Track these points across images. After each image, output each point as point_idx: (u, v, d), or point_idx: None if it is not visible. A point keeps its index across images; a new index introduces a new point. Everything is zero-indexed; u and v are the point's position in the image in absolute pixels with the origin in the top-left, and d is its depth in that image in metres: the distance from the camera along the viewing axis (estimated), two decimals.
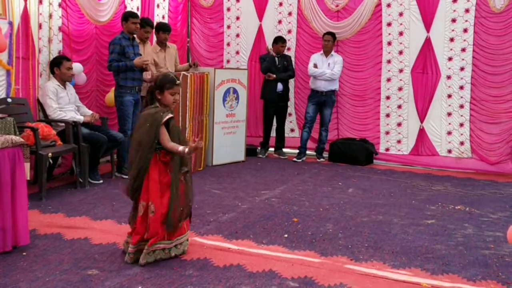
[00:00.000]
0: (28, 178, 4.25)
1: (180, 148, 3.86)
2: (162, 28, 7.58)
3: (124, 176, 6.71)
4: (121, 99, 6.76)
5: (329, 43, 8.29)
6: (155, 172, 3.91)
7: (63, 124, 6.18)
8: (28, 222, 4.16)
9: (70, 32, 6.83)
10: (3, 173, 3.89)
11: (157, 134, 3.86)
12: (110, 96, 7.20)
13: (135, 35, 6.89)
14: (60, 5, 6.70)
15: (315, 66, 8.33)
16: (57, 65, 6.31)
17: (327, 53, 8.36)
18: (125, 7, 7.74)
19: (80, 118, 6.35)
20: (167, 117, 3.91)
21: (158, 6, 8.65)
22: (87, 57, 7.14)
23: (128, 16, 6.79)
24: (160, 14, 8.73)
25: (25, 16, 6.19)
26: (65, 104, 6.34)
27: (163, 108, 3.98)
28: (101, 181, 6.44)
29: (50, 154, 5.61)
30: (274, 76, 8.40)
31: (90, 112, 6.70)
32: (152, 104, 4.02)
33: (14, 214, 4.00)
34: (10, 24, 5.97)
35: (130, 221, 4.12)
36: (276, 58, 8.51)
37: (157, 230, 3.91)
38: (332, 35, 8.31)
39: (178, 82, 4.01)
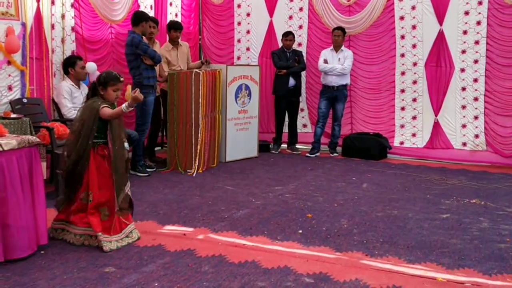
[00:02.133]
0: (45, 177, 4.29)
1: (122, 106, 4.14)
2: (174, 26, 7.59)
3: (139, 174, 6.76)
4: (145, 98, 6.74)
5: (339, 38, 8.26)
6: (94, 162, 4.22)
7: None
8: (46, 221, 4.20)
9: (84, 32, 6.87)
10: (22, 172, 3.93)
11: (96, 120, 4.16)
12: (129, 92, 7.18)
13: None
14: (72, 5, 6.74)
15: (325, 61, 8.31)
16: (71, 65, 6.36)
17: (337, 48, 8.34)
18: (138, 6, 7.77)
19: None
20: (104, 105, 4.19)
21: (171, 4, 8.67)
22: (102, 56, 7.17)
23: (147, 18, 6.85)
24: (173, 12, 8.75)
25: (38, 17, 6.25)
26: (79, 104, 6.37)
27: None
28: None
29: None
30: (285, 71, 8.40)
31: None
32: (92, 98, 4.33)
33: (35, 213, 4.05)
34: (23, 25, 6.04)
35: (59, 205, 4.38)
36: (288, 53, 8.51)
37: (94, 219, 4.17)
38: (342, 30, 8.28)
39: (121, 79, 4.30)
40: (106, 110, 4.18)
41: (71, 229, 4.29)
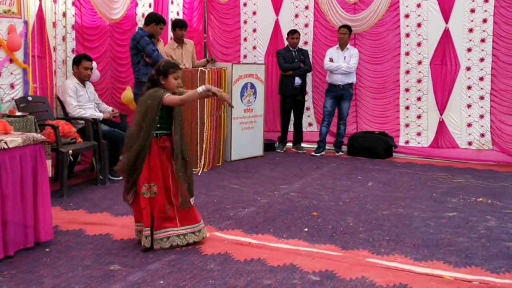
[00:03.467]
0: (50, 175, 4.29)
1: (198, 89, 4.01)
2: (179, 25, 7.58)
3: None
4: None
5: (345, 36, 8.23)
6: (155, 155, 4.04)
7: (82, 121, 6.23)
8: (51, 218, 4.21)
9: (83, 30, 6.86)
10: (26, 170, 3.94)
11: (159, 109, 3.99)
12: (127, 94, 7.21)
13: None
14: (73, 3, 6.73)
15: (331, 60, 8.28)
16: (76, 63, 6.36)
17: (343, 46, 8.31)
18: (137, 4, 7.73)
19: (99, 115, 6.40)
20: (167, 93, 4.02)
21: (172, 2, 8.64)
22: (100, 54, 7.15)
23: (160, 20, 6.89)
24: (175, 10, 8.73)
25: (40, 15, 6.25)
26: (84, 102, 6.39)
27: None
28: (121, 178, 6.47)
29: (70, 152, 5.66)
30: (291, 72, 8.39)
31: (110, 108, 6.74)
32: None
33: (37, 210, 4.06)
34: (25, 23, 6.04)
35: (128, 198, 4.19)
36: (293, 52, 8.49)
37: (163, 210, 4.04)
38: (348, 28, 8.25)
39: (181, 66, 4.13)
40: (174, 97, 4.02)
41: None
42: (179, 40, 7.61)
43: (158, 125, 4.05)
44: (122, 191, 4.26)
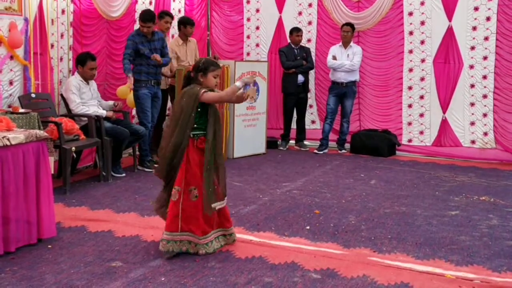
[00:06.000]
0: (52, 172, 4.30)
1: (236, 83, 3.92)
2: (189, 22, 7.70)
3: (146, 170, 6.77)
4: (137, 93, 6.81)
5: (348, 34, 8.22)
6: (195, 156, 3.89)
7: (85, 118, 6.24)
8: (54, 215, 4.21)
9: (81, 27, 6.84)
10: (28, 167, 3.95)
11: (195, 106, 3.84)
12: (122, 88, 7.19)
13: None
14: (72, 0, 6.73)
15: (334, 58, 8.27)
16: (81, 63, 6.34)
17: (346, 44, 8.30)
18: (137, 1, 7.72)
19: (102, 112, 6.41)
20: (204, 90, 3.88)
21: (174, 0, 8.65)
22: (96, 51, 7.08)
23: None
24: (176, 8, 8.72)
25: (40, 12, 6.25)
26: (88, 99, 6.40)
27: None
28: (124, 174, 6.49)
29: (73, 148, 5.67)
30: (294, 69, 8.38)
31: (111, 102, 6.74)
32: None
33: (39, 207, 4.06)
34: (26, 20, 6.05)
35: (162, 211, 4.04)
36: (296, 50, 8.48)
37: (197, 216, 3.88)
38: (351, 26, 8.24)
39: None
40: (211, 93, 3.89)
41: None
42: (185, 38, 7.64)
43: (195, 125, 3.89)
44: (158, 197, 4.13)
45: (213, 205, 3.90)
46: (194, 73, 3.99)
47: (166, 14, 7.48)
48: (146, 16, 6.72)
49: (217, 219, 4.05)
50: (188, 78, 4.05)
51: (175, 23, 7.97)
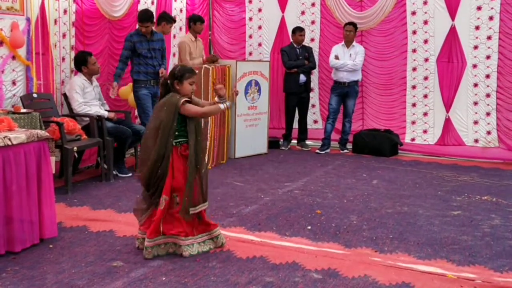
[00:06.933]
0: (54, 172, 4.30)
1: (220, 105, 3.97)
2: (200, 19, 7.78)
3: None
4: (136, 93, 6.83)
5: (351, 33, 8.21)
6: (179, 164, 3.90)
7: (87, 118, 6.24)
8: (56, 215, 4.22)
9: (83, 27, 6.85)
10: (30, 167, 3.95)
11: (176, 116, 3.85)
12: (124, 90, 7.22)
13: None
14: (74, 0, 6.73)
15: (337, 57, 8.26)
16: (83, 63, 6.34)
17: (348, 43, 8.29)
18: (139, 1, 7.72)
19: (104, 112, 6.41)
20: (184, 99, 3.88)
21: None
22: (99, 51, 7.11)
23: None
24: (178, 7, 8.72)
25: (42, 12, 6.25)
26: (90, 99, 6.40)
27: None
28: (130, 174, 6.48)
29: (75, 148, 5.67)
30: (296, 69, 8.38)
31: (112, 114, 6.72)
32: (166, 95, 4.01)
33: (41, 207, 4.07)
34: (28, 20, 6.05)
35: (139, 214, 4.06)
36: (298, 49, 8.48)
37: (179, 218, 3.92)
38: (354, 25, 8.22)
39: (196, 71, 4.06)
40: (193, 108, 3.90)
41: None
42: (195, 35, 7.77)
43: (177, 133, 3.90)
44: (137, 201, 4.13)
45: (191, 209, 3.92)
46: (170, 81, 3.98)
47: (172, 19, 7.50)
48: (144, 16, 6.73)
49: (198, 226, 4.03)
50: (165, 85, 4.03)
51: (175, 23, 7.97)
